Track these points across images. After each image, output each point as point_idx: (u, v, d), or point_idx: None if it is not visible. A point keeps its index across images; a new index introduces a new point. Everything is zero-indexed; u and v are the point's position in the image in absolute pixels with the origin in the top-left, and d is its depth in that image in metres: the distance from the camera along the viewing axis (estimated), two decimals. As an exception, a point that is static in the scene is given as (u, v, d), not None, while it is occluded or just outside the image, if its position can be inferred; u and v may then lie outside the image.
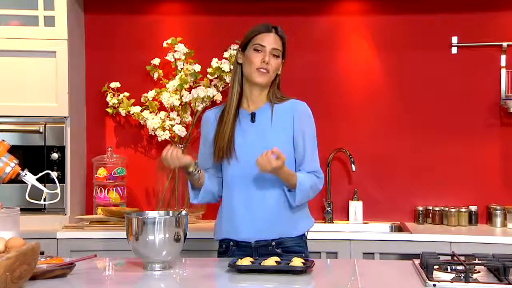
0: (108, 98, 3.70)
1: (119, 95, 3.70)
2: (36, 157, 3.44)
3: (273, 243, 2.51)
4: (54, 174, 2.55)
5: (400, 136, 3.74)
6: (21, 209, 2.36)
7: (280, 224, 2.51)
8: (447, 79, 3.72)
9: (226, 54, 3.61)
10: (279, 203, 2.51)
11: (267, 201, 2.49)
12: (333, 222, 3.71)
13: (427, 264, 2.08)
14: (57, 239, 3.24)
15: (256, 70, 2.50)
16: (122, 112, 3.67)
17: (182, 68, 3.65)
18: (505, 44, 3.64)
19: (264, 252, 2.47)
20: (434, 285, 1.97)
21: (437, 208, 3.61)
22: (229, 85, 2.61)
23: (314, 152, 2.58)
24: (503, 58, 3.66)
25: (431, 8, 3.71)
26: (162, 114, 3.63)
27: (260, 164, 2.35)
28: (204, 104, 3.62)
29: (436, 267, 2.13)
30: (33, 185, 2.38)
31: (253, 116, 2.56)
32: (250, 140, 2.53)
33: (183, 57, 3.65)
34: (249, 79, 2.53)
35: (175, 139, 3.63)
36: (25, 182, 2.39)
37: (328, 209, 3.70)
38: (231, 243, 2.55)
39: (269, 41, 2.51)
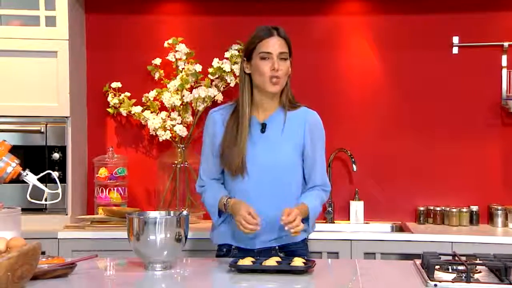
0: (109, 98, 3.70)
1: (120, 95, 3.70)
2: (37, 157, 3.45)
3: (276, 247, 2.52)
4: (55, 174, 2.55)
5: (401, 136, 3.74)
6: (22, 209, 2.37)
7: (285, 233, 2.49)
8: (448, 79, 3.72)
9: (227, 54, 3.61)
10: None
11: (273, 212, 2.45)
12: (334, 222, 3.71)
13: (428, 264, 2.08)
14: (58, 239, 3.24)
15: (268, 80, 2.43)
16: (123, 112, 3.67)
17: (183, 68, 3.65)
18: (506, 44, 3.64)
19: (266, 255, 2.45)
20: (435, 285, 1.97)
21: (438, 208, 3.61)
22: (239, 96, 2.51)
23: (323, 164, 2.58)
24: (504, 58, 3.66)
25: (432, 8, 3.71)
26: (163, 114, 3.63)
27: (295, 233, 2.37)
28: (205, 104, 3.62)
29: (437, 267, 2.13)
30: (34, 185, 2.39)
31: (263, 127, 2.51)
32: (259, 153, 2.48)
33: (184, 57, 3.65)
34: (262, 88, 2.47)
35: (176, 139, 3.63)
36: (26, 182, 2.39)
37: (329, 209, 3.70)
38: (233, 247, 2.55)
39: (274, 46, 2.44)
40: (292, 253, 2.50)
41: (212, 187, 2.58)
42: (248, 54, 2.49)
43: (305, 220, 2.48)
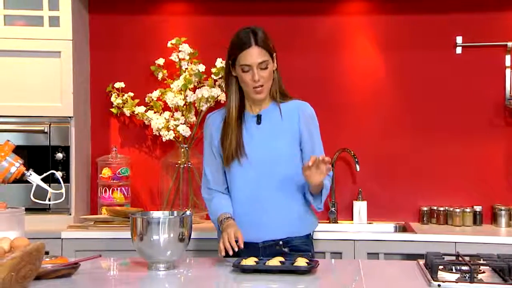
0: (112, 98, 3.70)
1: (123, 95, 3.70)
2: (41, 157, 3.45)
3: (281, 242, 2.53)
4: (58, 174, 2.56)
5: (405, 136, 3.74)
6: (26, 209, 2.37)
7: (288, 224, 2.53)
8: (451, 79, 3.71)
9: (230, 54, 3.61)
10: (288, 203, 2.53)
11: (275, 203, 2.50)
12: (337, 222, 3.71)
13: (432, 264, 2.08)
14: (62, 239, 3.25)
15: (251, 90, 2.49)
16: (127, 112, 3.68)
17: (186, 68, 3.66)
18: (509, 44, 3.63)
19: (271, 251, 2.48)
20: (439, 285, 1.97)
21: (441, 208, 3.61)
22: (226, 95, 2.59)
23: (322, 152, 2.58)
24: (507, 58, 3.65)
25: (435, 8, 3.70)
26: (167, 114, 3.63)
27: (313, 177, 2.36)
28: (209, 104, 3.62)
29: (440, 267, 2.13)
30: (38, 185, 2.39)
31: (258, 118, 2.56)
32: (257, 143, 2.53)
33: (187, 57, 3.65)
34: (248, 95, 2.54)
35: (180, 139, 3.64)
36: (30, 182, 2.39)
37: (333, 209, 3.70)
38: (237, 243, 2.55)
39: (253, 58, 2.46)
40: (297, 248, 2.52)
41: (217, 199, 2.59)
42: (232, 61, 2.53)
43: (318, 197, 2.51)
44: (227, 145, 2.52)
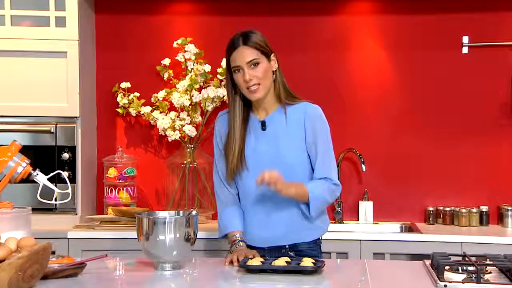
0: (118, 98, 3.71)
1: (129, 95, 3.71)
2: (47, 157, 3.46)
3: (287, 246, 2.53)
4: (65, 174, 2.55)
5: (411, 136, 3.73)
6: (33, 209, 2.37)
7: (294, 231, 2.52)
8: (458, 79, 3.71)
9: (236, 54, 3.61)
10: (294, 211, 2.50)
11: (281, 210, 2.49)
12: (343, 223, 3.71)
13: (438, 264, 2.08)
14: (68, 238, 3.26)
15: (246, 90, 2.45)
16: (133, 112, 3.68)
17: (192, 68, 3.66)
18: (516, 43, 3.63)
19: (276, 254, 2.47)
20: (445, 285, 1.96)
21: (447, 209, 3.60)
22: (228, 103, 2.55)
23: (326, 157, 2.51)
24: (514, 58, 3.65)
25: (442, 8, 3.69)
26: (172, 114, 3.64)
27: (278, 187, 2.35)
28: (214, 104, 3.62)
29: (447, 267, 2.13)
30: (44, 185, 2.39)
31: (263, 124, 2.53)
32: (261, 149, 2.50)
33: (193, 57, 3.66)
34: (246, 96, 2.51)
35: (185, 139, 3.64)
36: (36, 182, 2.40)
37: (338, 209, 3.69)
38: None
39: (240, 57, 2.43)
40: (303, 253, 2.51)
41: (227, 214, 2.58)
42: (229, 68, 2.50)
43: (306, 205, 2.47)
44: (230, 159, 2.50)
